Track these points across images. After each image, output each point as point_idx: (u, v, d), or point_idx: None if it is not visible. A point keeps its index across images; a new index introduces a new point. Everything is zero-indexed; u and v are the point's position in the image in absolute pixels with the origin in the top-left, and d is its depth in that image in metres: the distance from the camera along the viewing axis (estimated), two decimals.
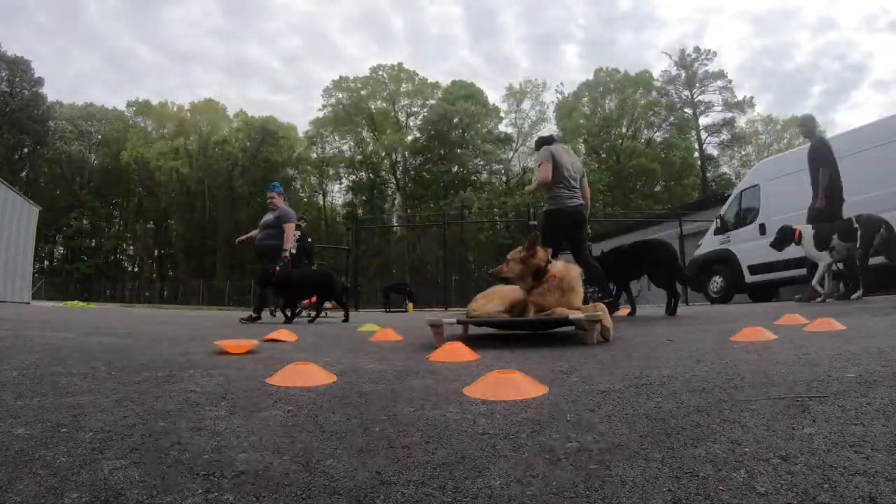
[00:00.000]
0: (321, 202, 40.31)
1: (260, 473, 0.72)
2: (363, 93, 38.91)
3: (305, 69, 62.30)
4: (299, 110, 68.36)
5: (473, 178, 37.76)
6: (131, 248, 42.26)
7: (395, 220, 36.17)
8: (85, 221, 39.35)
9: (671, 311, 4.40)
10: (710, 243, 9.37)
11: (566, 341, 2.44)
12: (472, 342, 2.35)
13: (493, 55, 58.51)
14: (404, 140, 38.71)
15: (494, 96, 64.80)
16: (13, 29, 46.70)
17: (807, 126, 5.81)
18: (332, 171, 39.84)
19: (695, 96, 35.86)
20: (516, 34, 57.30)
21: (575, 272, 2.58)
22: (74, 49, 55.35)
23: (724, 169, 36.70)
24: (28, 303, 16.91)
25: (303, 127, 41.34)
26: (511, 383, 1.22)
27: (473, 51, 58.92)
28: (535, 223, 13.17)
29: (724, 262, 8.82)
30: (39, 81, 36.49)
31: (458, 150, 37.07)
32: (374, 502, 0.62)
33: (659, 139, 36.67)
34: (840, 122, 52.61)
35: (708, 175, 35.58)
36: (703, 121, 36.12)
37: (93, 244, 40.35)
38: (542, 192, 4.10)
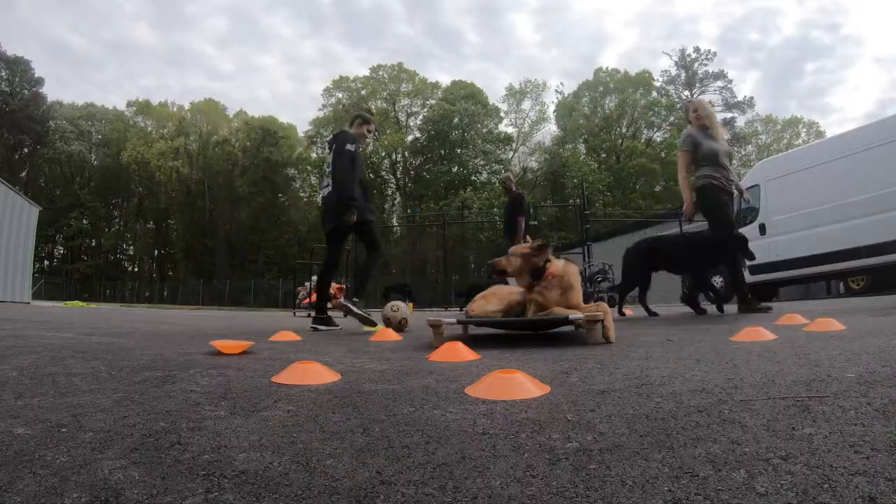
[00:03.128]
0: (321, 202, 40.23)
1: (260, 473, 0.72)
2: (363, 93, 38.93)
3: (238, 53, 60.65)
4: (245, 98, 66.95)
5: (473, 178, 37.77)
6: (131, 248, 42.26)
7: (395, 220, 36.16)
8: (85, 221, 39.34)
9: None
10: None
11: (566, 341, 2.44)
12: (472, 342, 2.35)
13: (434, 30, 55.41)
14: (404, 140, 38.71)
15: (445, 77, 60.29)
16: None
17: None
18: None
19: (695, 96, 35.87)
20: (455, 4, 54.14)
21: (574, 270, 2.58)
22: (11, 41, 53.71)
23: None
24: (28, 303, 16.91)
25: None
26: (513, 383, 1.22)
27: (412, 25, 55.66)
28: (536, 223, 13.16)
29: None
30: (39, 81, 36.51)
31: (458, 150, 37.06)
32: (374, 502, 0.62)
33: (659, 139, 36.66)
34: (838, 105, 50.57)
35: None
36: None
37: (93, 244, 40.35)
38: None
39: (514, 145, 39.11)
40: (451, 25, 55.84)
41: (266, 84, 63.47)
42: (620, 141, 37.15)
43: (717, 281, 9.00)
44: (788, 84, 48.80)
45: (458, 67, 60.24)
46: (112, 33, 55.62)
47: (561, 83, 43.88)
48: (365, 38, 57.66)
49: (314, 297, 6.34)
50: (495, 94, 38.64)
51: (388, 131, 38.02)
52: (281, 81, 62.30)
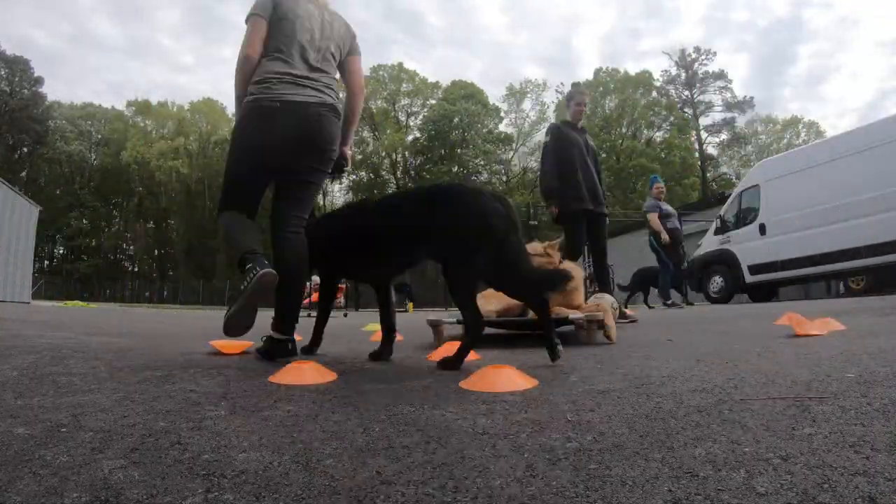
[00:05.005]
0: (321, 202, 40.34)
1: (260, 473, 0.72)
2: None
3: (195, 44, 59.44)
4: (208, 91, 65.56)
5: (473, 178, 37.77)
6: (131, 248, 42.28)
7: None
8: (85, 221, 39.36)
9: None
10: (710, 243, 9.38)
11: (566, 341, 2.43)
12: None
13: (392, 12, 53.34)
14: (404, 140, 38.71)
15: (409, 62, 57.71)
16: None
17: None
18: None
19: (695, 96, 35.92)
20: None
21: (576, 271, 2.58)
22: None
23: (724, 169, 36.74)
24: (28, 302, 16.90)
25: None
26: (501, 376, 1.32)
27: (368, 8, 53.31)
28: (536, 223, 13.16)
29: (724, 262, 8.83)
30: (39, 81, 36.50)
31: (458, 151, 37.06)
32: (374, 502, 0.62)
33: (659, 139, 36.68)
34: (836, 94, 47.41)
35: (708, 175, 35.61)
36: (703, 121, 36.18)
37: (93, 244, 40.35)
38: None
39: (514, 145, 39.11)
40: (411, 7, 54.13)
41: (230, 76, 62.57)
42: (620, 141, 37.14)
43: (718, 281, 9.00)
44: (782, 69, 45.96)
45: (425, 54, 57.85)
46: (71, 27, 54.37)
47: (561, 83, 43.74)
48: None
49: (315, 296, 6.27)
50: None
51: (388, 131, 38.00)
52: None
